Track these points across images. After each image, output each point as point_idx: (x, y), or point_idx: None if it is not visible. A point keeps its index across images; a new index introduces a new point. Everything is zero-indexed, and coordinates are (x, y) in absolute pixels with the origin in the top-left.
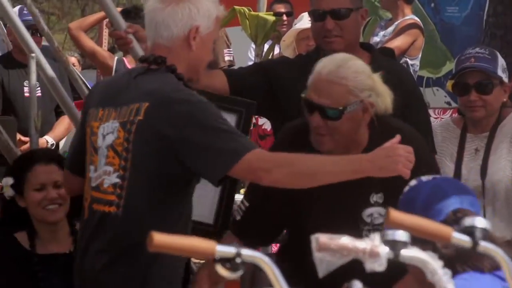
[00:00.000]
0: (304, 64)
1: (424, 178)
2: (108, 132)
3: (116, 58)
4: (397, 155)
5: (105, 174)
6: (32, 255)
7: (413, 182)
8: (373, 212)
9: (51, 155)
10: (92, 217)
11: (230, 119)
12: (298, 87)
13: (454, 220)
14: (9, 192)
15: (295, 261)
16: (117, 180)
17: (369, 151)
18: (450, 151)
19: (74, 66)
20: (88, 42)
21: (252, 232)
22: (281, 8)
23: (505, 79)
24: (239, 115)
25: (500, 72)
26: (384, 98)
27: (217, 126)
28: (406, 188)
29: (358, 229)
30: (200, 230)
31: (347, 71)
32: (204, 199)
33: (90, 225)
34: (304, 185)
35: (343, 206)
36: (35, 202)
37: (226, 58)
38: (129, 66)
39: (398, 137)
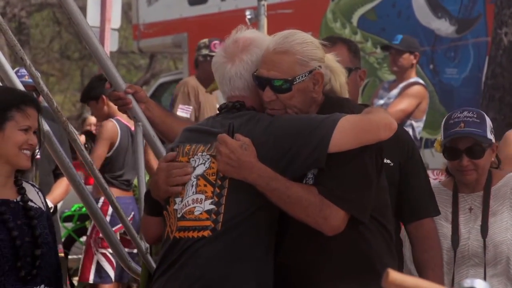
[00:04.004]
0: None
1: None
2: (199, 163)
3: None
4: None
5: (195, 202)
6: None
7: None
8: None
9: (38, 103)
10: (176, 245)
11: None
12: None
13: None
14: None
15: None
16: (212, 206)
17: None
18: (445, 213)
19: (95, 126)
20: None
21: None
22: None
23: (493, 140)
24: None
25: (489, 135)
26: (338, 75)
27: (304, 117)
28: None
29: None
30: None
31: (293, 42)
32: None
33: (174, 251)
34: None
35: None
36: (17, 143)
37: (179, 113)
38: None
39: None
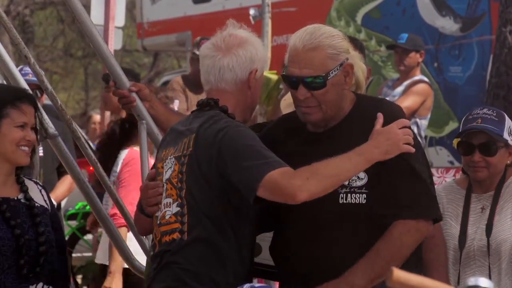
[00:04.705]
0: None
1: (245, 286)
2: (167, 168)
3: None
4: (394, 135)
5: (166, 207)
6: None
7: (246, 286)
8: None
9: (34, 99)
10: (159, 250)
11: None
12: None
13: None
14: None
15: (283, 257)
16: (178, 208)
17: (348, 120)
18: (456, 212)
19: (99, 123)
20: None
21: None
22: None
23: (511, 142)
24: None
25: (506, 135)
26: (357, 64)
27: (250, 145)
28: None
29: (336, 193)
30: (262, 271)
31: (321, 37)
32: (265, 242)
33: (157, 256)
34: (332, 188)
35: None
36: (14, 140)
37: None
38: None
39: (380, 117)
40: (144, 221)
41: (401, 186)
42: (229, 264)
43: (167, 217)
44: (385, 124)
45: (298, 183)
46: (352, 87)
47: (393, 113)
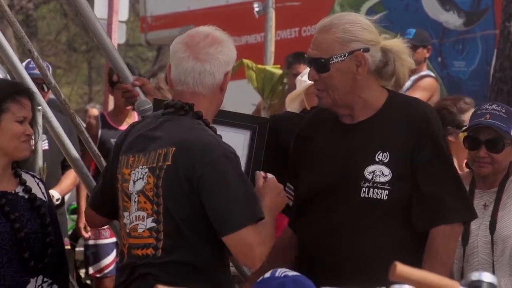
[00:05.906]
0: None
1: (278, 272)
2: (138, 178)
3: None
4: (278, 188)
5: (138, 220)
6: None
7: (267, 274)
8: (375, 170)
9: (31, 93)
10: (128, 261)
11: (244, 135)
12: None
13: None
14: None
15: (303, 233)
16: (153, 224)
17: (380, 116)
18: None
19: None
20: None
21: None
22: (302, 70)
23: None
24: (253, 131)
25: None
26: (403, 60)
27: (231, 182)
28: (260, 278)
29: (359, 187)
30: None
31: (338, 21)
32: None
33: (126, 268)
34: None
35: (349, 162)
36: (16, 134)
37: None
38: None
39: (260, 175)
40: (94, 216)
41: (443, 194)
42: (209, 276)
43: (139, 231)
44: (419, 127)
45: (263, 252)
46: (389, 84)
47: (426, 115)
